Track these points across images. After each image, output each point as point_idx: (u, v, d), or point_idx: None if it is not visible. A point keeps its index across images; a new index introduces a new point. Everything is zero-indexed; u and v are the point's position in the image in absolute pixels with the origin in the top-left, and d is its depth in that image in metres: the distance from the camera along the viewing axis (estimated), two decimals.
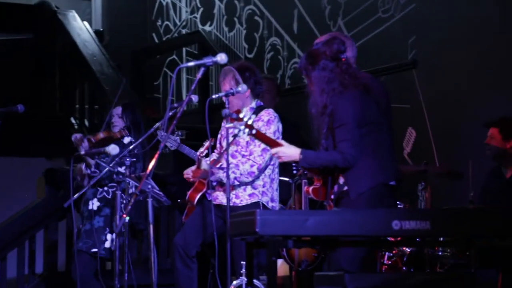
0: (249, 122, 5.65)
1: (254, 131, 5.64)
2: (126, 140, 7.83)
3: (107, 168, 6.93)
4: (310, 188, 6.19)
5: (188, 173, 7.20)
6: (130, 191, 6.98)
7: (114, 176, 6.91)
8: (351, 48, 6.31)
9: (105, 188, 7.74)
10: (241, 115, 5.62)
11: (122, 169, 7.07)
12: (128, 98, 9.01)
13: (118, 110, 8.34)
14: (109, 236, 7.73)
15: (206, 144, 7.15)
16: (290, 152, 5.92)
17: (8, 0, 12.74)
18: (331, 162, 5.92)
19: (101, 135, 7.80)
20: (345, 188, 5.89)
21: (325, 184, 6.05)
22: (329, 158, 5.95)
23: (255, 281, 5.98)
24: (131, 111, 8.40)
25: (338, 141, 5.86)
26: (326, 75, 6.00)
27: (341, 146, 5.84)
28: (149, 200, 6.77)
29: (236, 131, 5.92)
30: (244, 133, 5.65)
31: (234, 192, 6.72)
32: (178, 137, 7.21)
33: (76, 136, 8.06)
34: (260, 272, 6.02)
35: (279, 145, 5.90)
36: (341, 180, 5.92)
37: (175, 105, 6.48)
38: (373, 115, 5.98)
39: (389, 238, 6.01)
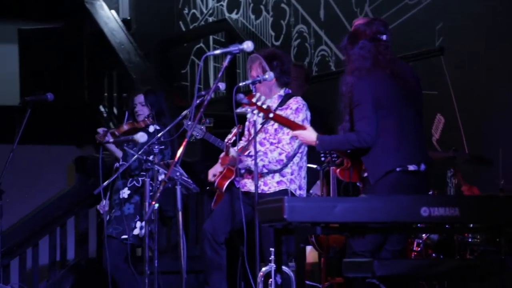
0: (264, 107, 5.70)
1: (271, 115, 5.68)
2: (151, 129, 7.81)
3: (136, 156, 6.95)
4: (338, 170, 6.20)
5: (215, 175, 7.27)
6: (159, 178, 7.01)
7: (143, 164, 6.91)
8: (379, 25, 6.33)
9: (134, 173, 7.75)
10: (253, 99, 5.67)
11: (150, 157, 7.09)
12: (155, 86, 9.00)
13: (140, 98, 8.31)
14: (138, 224, 7.76)
15: (234, 131, 7.16)
16: (308, 136, 5.99)
17: None
18: (346, 143, 5.99)
19: (124, 127, 7.80)
20: (365, 174, 5.92)
21: (355, 166, 6.06)
22: (344, 139, 6.03)
23: (284, 267, 5.99)
24: (154, 98, 8.38)
25: (355, 121, 5.89)
26: (362, 54, 6.03)
27: (357, 126, 5.88)
28: (178, 188, 6.79)
29: (248, 115, 5.97)
30: (259, 117, 5.72)
31: (262, 179, 6.75)
32: (203, 126, 7.22)
33: (99, 131, 8.10)
34: (289, 259, 6.03)
35: (300, 127, 5.96)
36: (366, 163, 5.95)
37: (202, 93, 6.47)
38: (396, 99, 5.98)
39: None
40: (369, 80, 5.92)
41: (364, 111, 5.87)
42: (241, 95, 5.97)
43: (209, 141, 7.44)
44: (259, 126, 6.73)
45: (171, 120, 7.87)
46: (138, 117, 8.09)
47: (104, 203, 7.83)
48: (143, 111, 8.15)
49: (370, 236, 5.94)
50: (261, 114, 5.72)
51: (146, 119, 7.95)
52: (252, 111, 5.74)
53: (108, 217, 8.03)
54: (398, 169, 5.92)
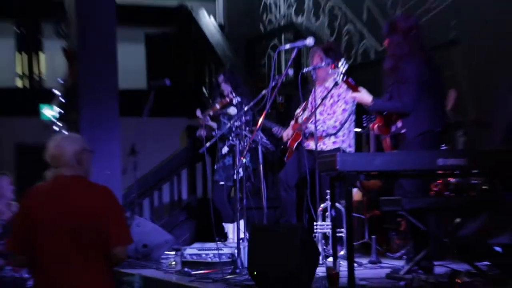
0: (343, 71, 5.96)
1: (345, 78, 5.91)
2: (234, 101, 7.71)
3: (228, 125, 6.98)
4: (375, 125, 6.21)
5: (287, 135, 7.29)
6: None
7: (234, 130, 6.92)
8: (413, 21, 6.35)
9: (231, 139, 7.77)
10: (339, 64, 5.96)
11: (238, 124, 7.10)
12: (240, 76, 8.99)
13: (220, 77, 8.34)
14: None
15: (302, 105, 7.21)
16: (366, 97, 6.02)
17: (158, 4, 12.87)
18: (394, 108, 6.00)
19: (216, 106, 7.79)
20: (403, 131, 5.92)
21: (386, 124, 6.08)
22: (392, 105, 6.04)
23: (337, 204, 6.02)
24: (229, 74, 8.40)
25: (403, 94, 5.89)
26: (401, 41, 6.02)
27: (404, 98, 5.87)
28: (259, 147, 6.86)
29: (336, 76, 6.02)
30: (339, 76, 5.94)
31: (322, 140, 6.75)
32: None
33: (199, 115, 8.16)
34: (340, 198, 6.03)
35: (359, 91, 6.02)
36: (399, 124, 5.94)
37: (277, 77, 6.50)
38: (430, 79, 5.99)
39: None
40: (416, 63, 5.95)
41: (410, 87, 5.92)
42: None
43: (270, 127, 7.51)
44: (319, 101, 6.74)
45: (247, 90, 7.93)
46: (224, 94, 8.08)
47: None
48: (226, 87, 8.16)
49: (413, 181, 5.97)
50: (341, 76, 5.98)
51: (229, 94, 7.91)
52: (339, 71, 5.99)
53: (215, 167, 8.12)
54: (428, 130, 5.97)
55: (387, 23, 6.30)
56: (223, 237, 7.85)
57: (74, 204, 4.25)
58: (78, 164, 4.32)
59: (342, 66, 6.00)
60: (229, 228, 8.01)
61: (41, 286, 4.32)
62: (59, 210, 4.22)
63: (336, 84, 6.74)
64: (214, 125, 8.08)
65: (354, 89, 6.07)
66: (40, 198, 4.37)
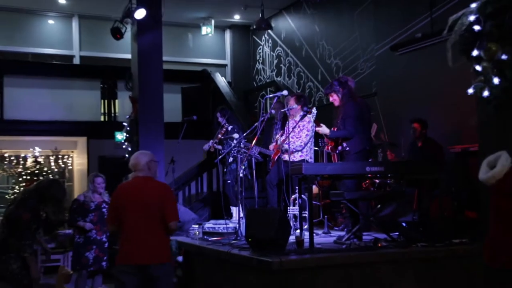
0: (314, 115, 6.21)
1: (315, 119, 6.23)
2: (229, 128, 7.67)
3: (232, 146, 6.90)
4: (328, 147, 6.26)
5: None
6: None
7: (236, 147, 6.83)
8: (352, 82, 6.39)
9: (233, 153, 7.68)
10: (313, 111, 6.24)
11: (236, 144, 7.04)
12: (241, 113, 8.94)
13: (217, 113, 8.27)
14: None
15: (280, 132, 7.17)
16: (326, 130, 6.13)
17: (189, 69, 12.89)
18: (343, 135, 6.03)
19: (218, 135, 7.71)
20: (347, 148, 5.93)
21: (335, 146, 6.08)
22: (342, 133, 6.04)
23: (302, 195, 5.97)
24: (224, 111, 8.24)
25: (347, 126, 5.96)
26: (346, 93, 6.05)
27: (348, 128, 5.91)
28: (253, 159, 6.77)
29: (311, 117, 6.32)
30: (313, 118, 6.25)
31: (293, 155, 6.66)
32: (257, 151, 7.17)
33: (205, 148, 8.18)
34: (304, 191, 5.96)
35: (321, 126, 6.15)
36: (344, 144, 5.95)
37: (264, 114, 6.46)
38: (363, 114, 6.01)
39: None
40: (353, 105, 6.02)
41: (352, 121, 5.96)
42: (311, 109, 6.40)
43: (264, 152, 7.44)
44: (291, 129, 6.67)
45: (236, 120, 7.85)
46: (221, 124, 8.01)
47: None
48: (221, 120, 8.08)
49: (351, 181, 5.97)
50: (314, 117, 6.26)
51: (225, 124, 7.80)
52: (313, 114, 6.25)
53: (225, 170, 8.03)
54: (363, 148, 5.98)
55: (334, 83, 6.30)
56: (230, 216, 7.77)
57: (147, 194, 4.56)
58: (148, 169, 4.66)
59: (314, 113, 6.12)
60: (234, 210, 7.94)
61: (125, 245, 4.51)
62: (137, 198, 4.54)
63: (302, 117, 6.72)
64: (219, 146, 8.00)
65: (318, 125, 6.18)
66: (125, 190, 4.72)
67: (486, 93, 4.18)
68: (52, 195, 5.16)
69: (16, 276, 4.85)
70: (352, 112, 5.98)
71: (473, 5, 4.27)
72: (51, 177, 9.69)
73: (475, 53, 4.20)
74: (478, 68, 4.23)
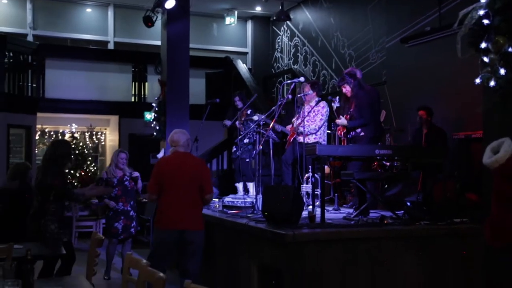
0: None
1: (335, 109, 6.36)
2: (249, 111, 7.67)
3: (252, 126, 6.85)
4: (341, 133, 6.18)
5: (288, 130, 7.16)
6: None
7: (256, 128, 6.78)
8: (360, 73, 6.31)
9: (251, 134, 7.63)
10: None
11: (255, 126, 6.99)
12: (260, 98, 8.87)
13: (236, 97, 8.25)
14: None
15: (296, 116, 7.06)
16: (343, 121, 6.12)
17: (213, 56, 12.79)
18: (360, 123, 5.98)
19: (242, 119, 7.68)
20: (361, 134, 5.91)
21: (346, 131, 6.01)
22: (359, 122, 6.01)
23: (315, 174, 5.89)
24: (242, 95, 8.29)
25: (363, 114, 5.95)
26: (356, 84, 6.00)
27: (364, 116, 5.88)
28: (270, 140, 6.72)
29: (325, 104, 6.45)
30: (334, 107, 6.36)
31: (307, 137, 6.58)
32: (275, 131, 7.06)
33: (226, 123, 8.14)
34: (317, 171, 5.89)
35: (339, 118, 6.20)
36: (358, 130, 5.89)
37: (281, 99, 6.38)
38: (374, 101, 5.95)
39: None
40: (367, 94, 5.97)
41: (367, 109, 5.94)
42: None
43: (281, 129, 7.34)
44: (306, 114, 6.58)
45: (252, 103, 7.78)
46: (238, 107, 7.95)
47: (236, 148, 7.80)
48: (239, 103, 8.07)
49: (360, 162, 5.90)
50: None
51: (242, 107, 7.79)
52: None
53: (235, 148, 7.96)
54: (375, 135, 6.02)
55: (345, 75, 6.26)
56: (247, 191, 7.75)
57: (185, 167, 4.73)
58: (188, 146, 4.87)
59: (337, 101, 6.15)
60: (250, 186, 7.90)
61: (166, 212, 4.67)
62: (177, 170, 4.70)
63: (317, 103, 6.62)
64: (241, 126, 7.94)
65: (337, 116, 6.23)
66: (167, 163, 4.88)
67: (492, 83, 4.06)
68: (61, 153, 5.14)
69: (56, 235, 4.93)
70: (365, 100, 5.93)
71: (483, 0, 4.14)
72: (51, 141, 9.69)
73: (483, 45, 4.08)
74: (485, 59, 4.11)
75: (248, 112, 7.72)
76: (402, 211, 5.31)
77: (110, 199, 6.74)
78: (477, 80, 4.18)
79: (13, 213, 5.91)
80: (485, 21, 4.06)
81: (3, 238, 4.87)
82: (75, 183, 10.45)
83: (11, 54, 10.47)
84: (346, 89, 6.20)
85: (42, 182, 5.01)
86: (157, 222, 4.79)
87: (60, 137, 11.70)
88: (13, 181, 6.13)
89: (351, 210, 5.95)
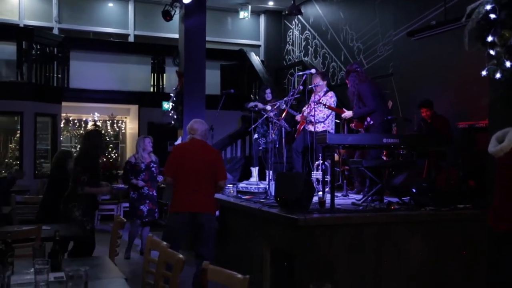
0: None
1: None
2: (277, 103, 7.61)
3: (265, 116, 6.82)
4: (353, 124, 6.13)
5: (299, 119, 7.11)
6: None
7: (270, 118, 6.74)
8: (360, 67, 6.35)
9: (261, 124, 7.58)
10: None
11: (272, 115, 6.96)
12: (274, 89, 8.79)
13: (268, 89, 8.11)
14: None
15: (306, 105, 7.00)
16: (348, 113, 6.09)
17: (228, 48, 12.73)
18: (365, 111, 5.95)
19: (268, 106, 7.62)
20: (371, 122, 5.87)
21: (360, 122, 5.96)
22: (364, 110, 5.96)
23: (326, 162, 5.85)
24: (272, 89, 8.19)
25: (366, 103, 5.88)
26: (354, 76, 5.91)
27: (368, 104, 5.81)
28: (282, 128, 6.68)
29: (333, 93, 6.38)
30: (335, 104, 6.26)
31: (316, 125, 6.54)
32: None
33: (251, 105, 8.04)
34: (327, 158, 5.86)
35: (343, 112, 6.16)
36: (368, 119, 5.85)
37: (293, 90, 6.33)
38: (376, 91, 5.91)
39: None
40: (367, 85, 5.88)
41: (369, 98, 5.88)
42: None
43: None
44: (315, 103, 6.54)
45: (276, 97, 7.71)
46: (266, 98, 7.88)
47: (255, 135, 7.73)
48: (269, 95, 7.97)
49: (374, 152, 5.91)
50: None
51: (272, 99, 7.73)
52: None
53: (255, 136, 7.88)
54: (384, 119, 5.98)
55: (347, 70, 6.25)
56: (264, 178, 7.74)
57: (200, 154, 4.71)
58: (205, 136, 4.86)
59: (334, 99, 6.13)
60: (254, 171, 7.83)
61: (180, 195, 4.67)
62: (192, 156, 4.70)
63: (325, 93, 6.58)
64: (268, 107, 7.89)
65: (342, 111, 6.17)
66: (183, 149, 4.89)
67: (498, 75, 3.99)
68: (94, 144, 5.12)
69: (79, 223, 4.90)
70: (367, 90, 5.92)
71: None
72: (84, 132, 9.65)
73: (489, 39, 4.00)
74: (492, 52, 4.03)
75: (277, 104, 7.66)
76: (408, 198, 5.26)
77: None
78: (484, 72, 4.11)
79: (53, 198, 5.95)
80: (492, 16, 3.98)
81: (46, 221, 4.91)
82: None
83: (38, 47, 10.48)
84: (350, 84, 6.18)
85: (73, 174, 5.05)
86: (171, 205, 4.80)
87: (83, 125, 11.77)
88: (56, 168, 6.11)
89: (359, 196, 5.91)
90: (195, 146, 4.77)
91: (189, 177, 4.63)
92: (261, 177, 7.52)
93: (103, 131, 11.37)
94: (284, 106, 6.66)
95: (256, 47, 13.28)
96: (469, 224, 4.83)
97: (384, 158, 6.58)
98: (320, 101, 6.47)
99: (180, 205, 4.66)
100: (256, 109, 7.70)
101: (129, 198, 6.88)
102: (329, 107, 6.12)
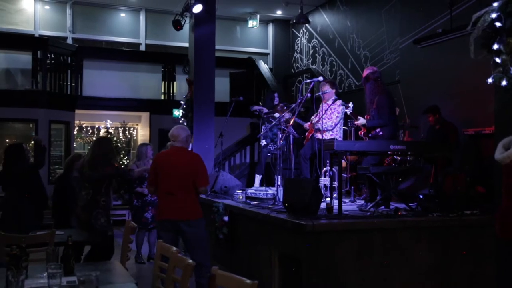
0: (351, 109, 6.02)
1: (351, 112, 6.04)
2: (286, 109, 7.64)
3: (274, 123, 6.82)
4: (361, 132, 6.08)
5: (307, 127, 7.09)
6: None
7: (278, 125, 6.74)
8: (371, 70, 6.18)
9: (269, 130, 7.57)
10: (349, 105, 6.09)
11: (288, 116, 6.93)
12: (282, 96, 8.80)
13: (276, 94, 8.13)
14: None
15: (315, 114, 6.99)
16: (362, 121, 5.93)
17: (236, 57, 12.75)
18: (378, 124, 5.81)
19: (277, 113, 7.62)
20: (380, 133, 5.77)
21: (368, 131, 5.91)
22: (378, 122, 5.83)
23: (333, 168, 5.82)
24: (280, 96, 8.19)
25: (381, 116, 5.76)
26: (373, 84, 5.85)
27: (383, 117, 5.74)
28: (290, 135, 6.67)
29: (347, 110, 6.14)
30: (350, 111, 6.06)
31: (324, 133, 6.52)
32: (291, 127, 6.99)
33: (256, 108, 8.05)
34: (334, 165, 5.83)
35: (358, 119, 6.00)
36: (378, 129, 5.78)
37: (300, 97, 6.32)
38: (391, 105, 5.82)
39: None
40: (384, 97, 5.80)
41: (384, 112, 5.78)
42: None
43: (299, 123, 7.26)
44: (324, 111, 6.52)
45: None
46: (274, 104, 7.88)
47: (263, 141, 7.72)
48: (277, 101, 7.98)
49: (375, 157, 5.81)
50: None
51: (280, 104, 7.71)
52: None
53: (264, 142, 7.87)
54: (393, 134, 5.89)
55: (366, 76, 6.09)
56: (273, 184, 7.74)
57: (181, 161, 4.58)
58: (186, 142, 4.70)
59: (350, 108, 6.04)
60: (257, 178, 7.86)
61: (161, 204, 4.62)
62: (173, 164, 4.57)
63: (334, 101, 6.56)
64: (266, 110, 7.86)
65: (356, 118, 6.03)
66: (164, 157, 4.75)
67: (504, 83, 3.96)
68: (107, 150, 5.13)
69: (104, 229, 4.91)
70: (385, 103, 5.82)
71: (495, 4, 4.03)
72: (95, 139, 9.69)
73: (495, 46, 3.97)
74: (497, 60, 4.00)
75: (285, 107, 7.63)
76: (415, 203, 5.22)
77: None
78: (489, 80, 4.08)
79: (60, 202, 6.00)
80: (497, 24, 3.95)
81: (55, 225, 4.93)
82: None
83: (52, 56, 10.59)
84: (368, 91, 6.08)
85: (93, 176, 4.98)
86: (155, 214, 4.78)
87: (96, 132, 11.83)
88: (66, 172, 6.15)
89: (363, 202, 5.88)
90: (174, 153, 4.65)
91: (168, 184, 4.52)
92: (269, 183, 7.51)
93: (115, 138, 11.43)
94: (290, 115, 6.65)
95: (264, 55, 13.32)
96: (476, 230, 4.78)
97: (386, 163, 6.57)
98: (329, 109, 6.48)
99: (161, 212, 4.58)
100: (257, 113, 7.73)
101: (132, 206, 6.85)
102: (352, 114, 6.12)
